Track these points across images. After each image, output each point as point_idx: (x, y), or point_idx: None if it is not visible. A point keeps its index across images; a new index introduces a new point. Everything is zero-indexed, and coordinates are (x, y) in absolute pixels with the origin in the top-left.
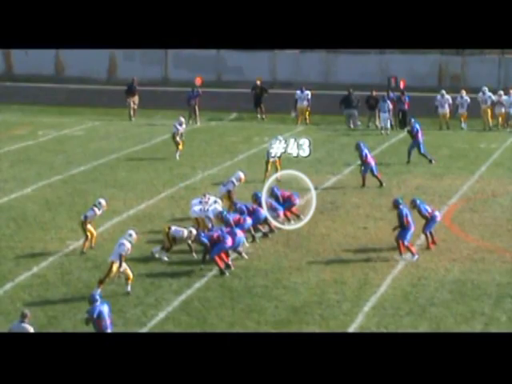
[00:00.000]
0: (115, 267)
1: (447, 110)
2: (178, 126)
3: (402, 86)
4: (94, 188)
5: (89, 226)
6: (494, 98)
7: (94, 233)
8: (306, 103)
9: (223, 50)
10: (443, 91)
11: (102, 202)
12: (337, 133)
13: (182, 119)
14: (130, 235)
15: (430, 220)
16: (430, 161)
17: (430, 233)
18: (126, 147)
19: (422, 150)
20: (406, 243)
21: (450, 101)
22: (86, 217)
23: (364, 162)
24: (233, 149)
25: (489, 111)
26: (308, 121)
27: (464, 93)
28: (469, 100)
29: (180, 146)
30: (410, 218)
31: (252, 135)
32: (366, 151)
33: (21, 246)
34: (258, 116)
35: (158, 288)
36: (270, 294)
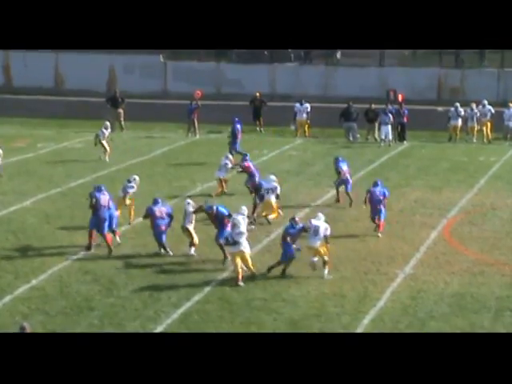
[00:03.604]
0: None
1: (459, 122)
2: (104, 130)
3: (400, 99)
4: None
5: None
6: (493, 110)
7: None
8: (305, 116)
9: (223, 63)
10: (457, 104)
11: (136, 177)
12: (336, 146)
13: (108, 123)
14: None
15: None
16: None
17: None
18: (125, 160)
19: (238, 148)
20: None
21: (463, 113)
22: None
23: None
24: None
25: (489, 124)
26: (307, 134)
27: (474, 105)
28: (479, 113)
29: (107, 149)
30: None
31: (251, 148)
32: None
33: (20, 258)
34: (257, 129)
35: (157, 301)
36: (269, 307)
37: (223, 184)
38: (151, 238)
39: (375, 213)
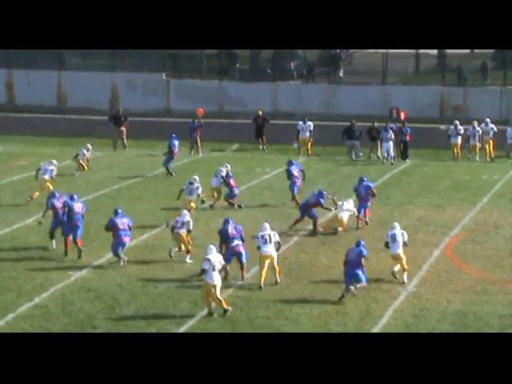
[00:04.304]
0: None
1: (459, 140)
2: (85, 151)
3: (402, 117)
4: (95, 219)
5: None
6: (496, 129)
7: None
8: (308, 134)
9: (225, 81)
10: (457, 121)
11: (197, 177)
12: (339, 164)
13: (89, 145)
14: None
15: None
16: (171, 174)
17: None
18: (127, 178)
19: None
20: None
21: (462, 131)
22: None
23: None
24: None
25: (491, 142)
26: (310, 152)
27: (476, 124)
28: (481, 131)
29: (85, 168)
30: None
31: (254, 166)
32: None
33: (22, 276)
34: (260, 147)
35: (160, 319)
36: (272, 325)
37: (215, 193)
38: (154, 256)
39: (362, 206)
